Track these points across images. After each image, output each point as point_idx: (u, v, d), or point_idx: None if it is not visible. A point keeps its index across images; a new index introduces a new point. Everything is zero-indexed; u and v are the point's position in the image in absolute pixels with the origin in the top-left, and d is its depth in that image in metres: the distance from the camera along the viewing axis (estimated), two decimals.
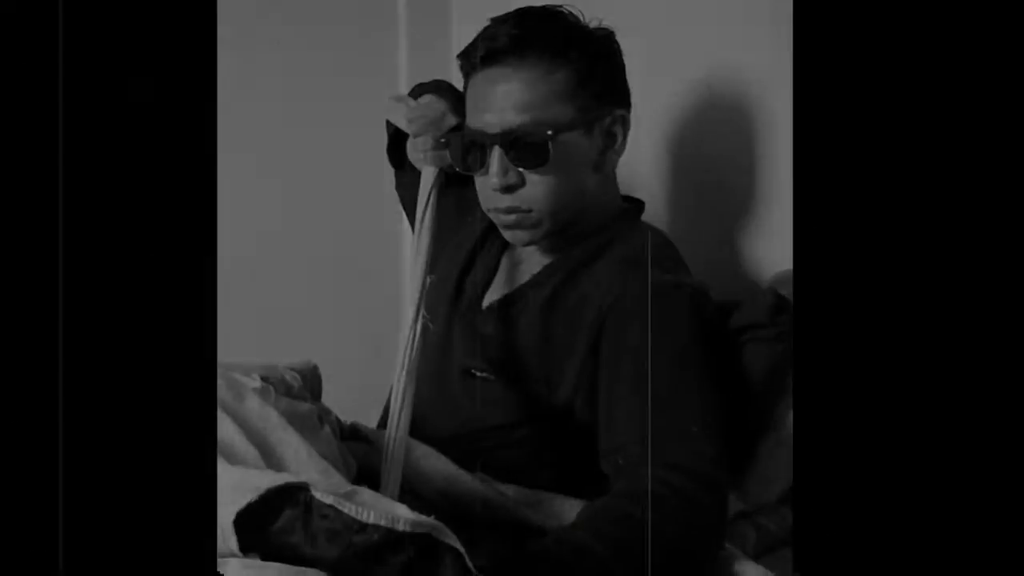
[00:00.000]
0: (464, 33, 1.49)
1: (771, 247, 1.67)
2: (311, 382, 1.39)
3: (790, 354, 1.41)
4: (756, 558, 1.30)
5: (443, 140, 1.47)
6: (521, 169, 1.40)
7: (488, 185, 1.42)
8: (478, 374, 1.46)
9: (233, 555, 0.96)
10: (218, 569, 0.93)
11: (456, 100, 1.51)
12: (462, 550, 0.97)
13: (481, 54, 1.41)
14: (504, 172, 1.40)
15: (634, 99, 1.49)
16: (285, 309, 2.24)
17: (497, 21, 1.43)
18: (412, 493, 1.30)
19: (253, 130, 2.14)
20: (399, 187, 1.76)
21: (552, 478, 1.39)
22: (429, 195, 1.47)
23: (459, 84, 1.52)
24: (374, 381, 1.67)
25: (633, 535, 1.13)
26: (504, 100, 1.38)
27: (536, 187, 1.40)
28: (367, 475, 1.30)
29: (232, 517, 0.95)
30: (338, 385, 1.49)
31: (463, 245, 1.62)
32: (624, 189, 1.57)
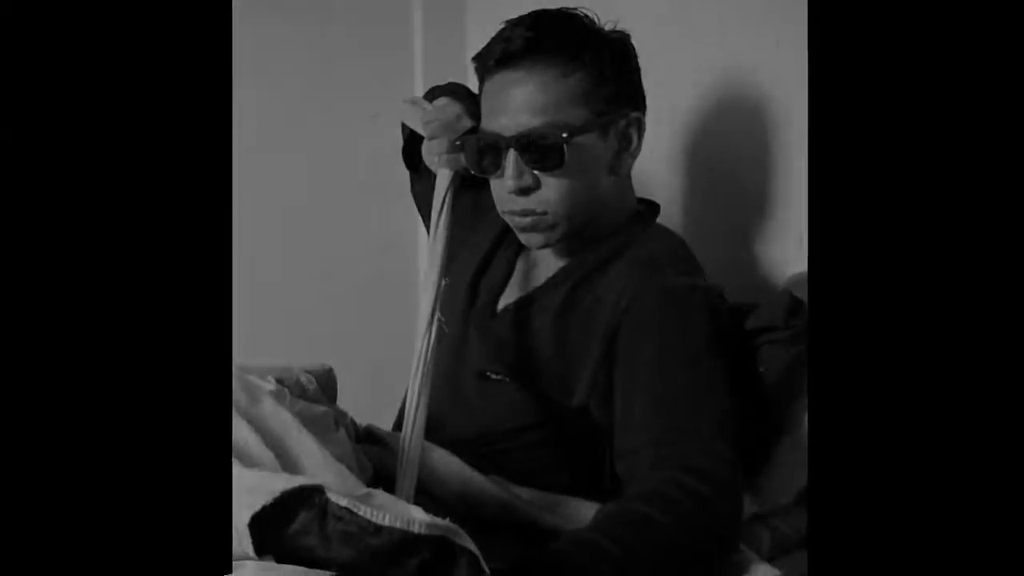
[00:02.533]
0: (479, 36, 1.49)
1: (786, 249, 1.67)
2: (326, 385, 1.39)
3: (805, 356, 1.40)
4: (770, 560, 1.30)
5: (458, 143, 1.47)
6: (536, 172, 1.40)
7: (503, 188, 1.42)
8: (493, 376, 1.46)
9: (248, 557, 0.96)
10: (233, 571, 0.94)
11: (471, 103, 1.51)
12: (477, 553, 0.97)
13: (496, 57, 1.41)
14: (519, 175, 1.40)
15: (649, 101, 1.49)
16: (300, 312, 2.24)
17: (512, 24, 1.43)
18: (427, 495, 1.30)
19: (269, 131, 2.14)
20: (414, 190, 1.77)
21: (567, 480, 1.39)
22: (444, 198, 1.47)
23: (474, 87, 1.52)
24: (389, 384, 1.68)
25: (648, 538, 1.13)
26: (519, 103, 1.38)
27: (551, 190, 1.40)
28: (382, 478, 1.30)
29: (247, 520, 0.95)
30: (353, 388, 1.50)
31: (478, 248, 1.62)
32: (639, 191, 1.57)
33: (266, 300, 2.13)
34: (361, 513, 0.95)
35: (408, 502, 1.13)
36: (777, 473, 1.44)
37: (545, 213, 1.42)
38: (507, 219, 1.48)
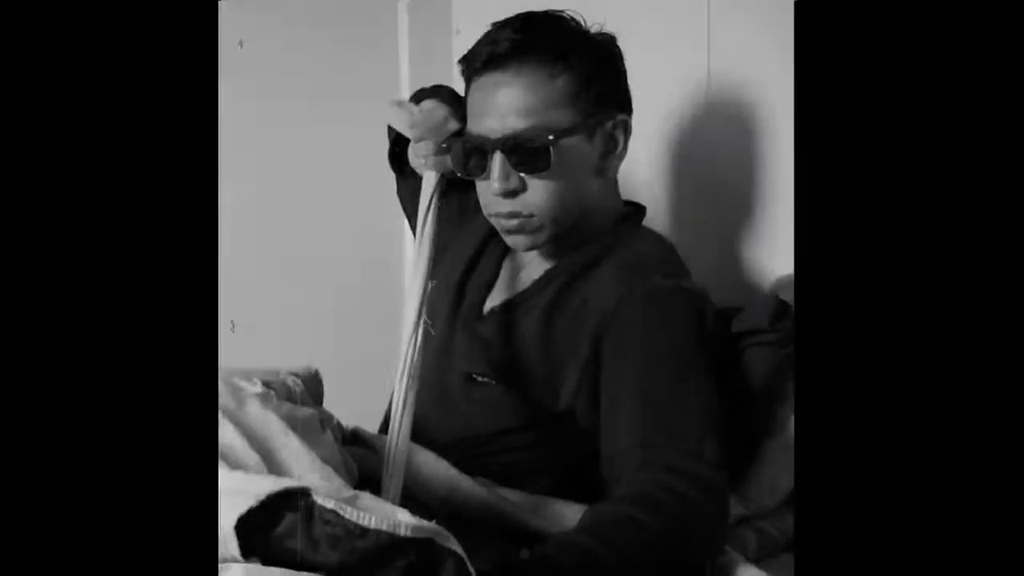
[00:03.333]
0: (465, 38, 1.49)
1: (772, 252, 1.67)
2: (312, 387, 1.39)
3: (791, 359, 1.41)
4: (757, 563, 1.30)
5: (444, 145, 1.47)
6: (522, 174, 1.40)
7: (489, 190, 1.42)
8: (479, 379, 1.46)
9: (234, 560, 0.96)
10: (219, 574, 0.93)
11: (457, 105, 1.51)
12: (463, 555, 0.97)
13: (482, 59, 1.41)
14: (505, 177, 1.40)
15: (635, 103, 1.49)
16: (286, 314, 2.24)
17: (498, 26, 1.44)
18: (413, 498, 1.30)
19: (254, 133, 2.14)
20: (400, 192, 1.77)
21: (554, 483, 1.39)
22: (430, 200, 1.47)
23: (461, 89, 1.52)
24: (375, 386, 1.67)
25: (635, 539, 1.13)
26: (505, 105, 1.38)
27: (537, 192, 1.40)
28: (368, 480, 1.30)
29: (233, 522, 0.94)
30: (339, 390, 1.49)
31: (464, 250, 1.62)
32: (625, 194, 1.57)
33: (252, 302, 2.13)
34: (347, 515, 0.95)
35: (394, 504, 1.13)
36: (763, 475, 1.44)
37: (531, 216, 1.42)
38: (493, 221, 1.48)
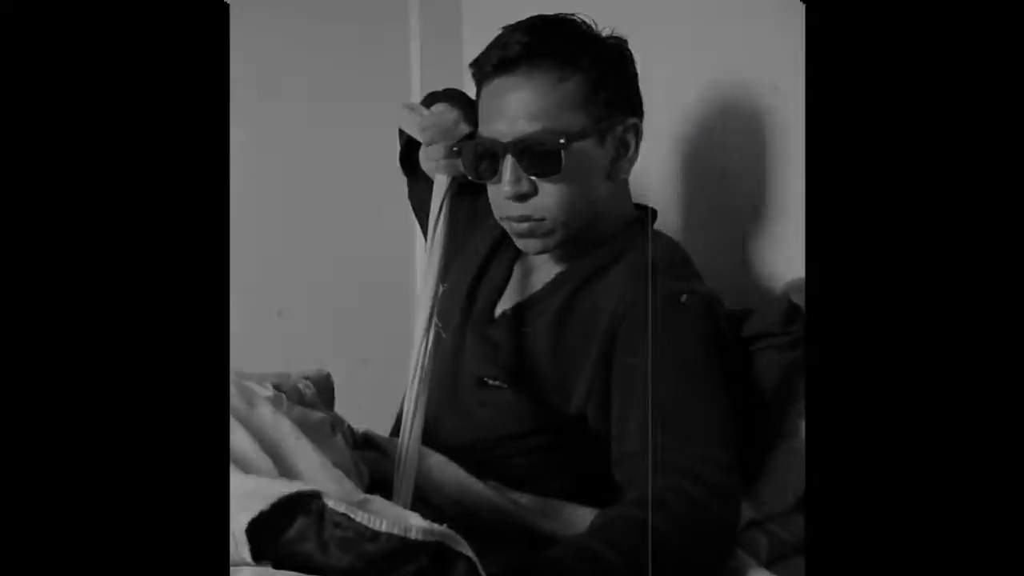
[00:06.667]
0: (476, 41, 1.49)
1: (783, 254, 1.67)
2: (324, 391, 1.39)
3: (802, 362, 1.40)
4: (768, 566, 1.30)
5: (455, 149, 1.47)
6: (534, 177, 1.40)
7: (501, 194, 1.42)
8: (491, 382, 1.45)
9: (246, 563, 0.96)
10: None
11: (469, 109, 1.51)
12: (474, 558, 0.97)
13: (493, 62, 1.41)
14: (516, 180, 1.40)
15: (647, 107, 1.49)
16: (298, 317, 2.24)
17: (509, 29, 1.43)
18: (424, 501, 1.30)
19: (265, 138, 2.14)
20: (412, 196, 1.77)
21: (565, 486, 1.39)
22: (442, 204, 1.47)
23: (472, 93, 1.52)
24: (386, 390, 1.67)
25: (645, 543, 1.13)
26: (516, 108, 1.38)
27: (549, 196, 1.40)
28: (379, 484, 1.30)
29: (245, 525, 0.95)
30: (351, 393, 1.49)
31: (476, 253, 1.62)
32: (636, 197, 1.57)
33: (263, 306, 2.13)
34: (358, 519, 0.95)
35: (405, 508, 1.13)
36: (775, 479, 1.44)
37: (543, 219, 1.42)
38: (504, 225, 1.48)
